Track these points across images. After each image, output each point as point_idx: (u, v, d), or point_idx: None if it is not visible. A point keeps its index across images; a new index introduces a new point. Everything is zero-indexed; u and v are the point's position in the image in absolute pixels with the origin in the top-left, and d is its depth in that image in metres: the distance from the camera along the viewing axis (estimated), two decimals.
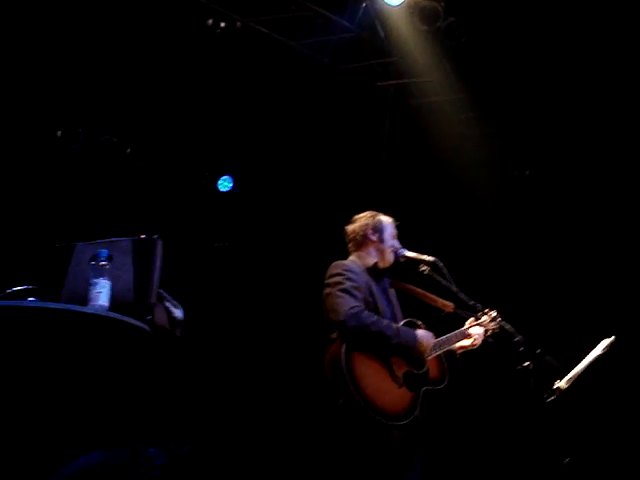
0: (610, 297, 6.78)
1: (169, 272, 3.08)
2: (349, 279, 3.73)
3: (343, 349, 3.51)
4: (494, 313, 4.06)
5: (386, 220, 4.13)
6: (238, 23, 6.48)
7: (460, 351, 4.04)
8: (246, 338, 7.34)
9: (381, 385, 3.54)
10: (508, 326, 3.95)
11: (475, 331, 4.02)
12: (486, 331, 4.06)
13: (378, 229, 4.06)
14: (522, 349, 3.78)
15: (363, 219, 4.11)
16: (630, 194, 6.94)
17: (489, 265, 7.26)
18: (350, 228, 4.13)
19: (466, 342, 4.02)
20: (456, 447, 6.81)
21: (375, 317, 3.64)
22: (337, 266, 3.85)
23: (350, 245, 4.11)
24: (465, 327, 4.05)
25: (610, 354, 4.04)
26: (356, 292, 3.70)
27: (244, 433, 6.78)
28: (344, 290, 3.67)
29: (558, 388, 3.84)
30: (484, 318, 4.07)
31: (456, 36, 6.22)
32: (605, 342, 4.06)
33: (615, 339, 4.06)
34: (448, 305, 4.09)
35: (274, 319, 7.42)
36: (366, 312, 3.62)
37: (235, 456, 6.47)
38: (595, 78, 6.51)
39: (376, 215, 4.13)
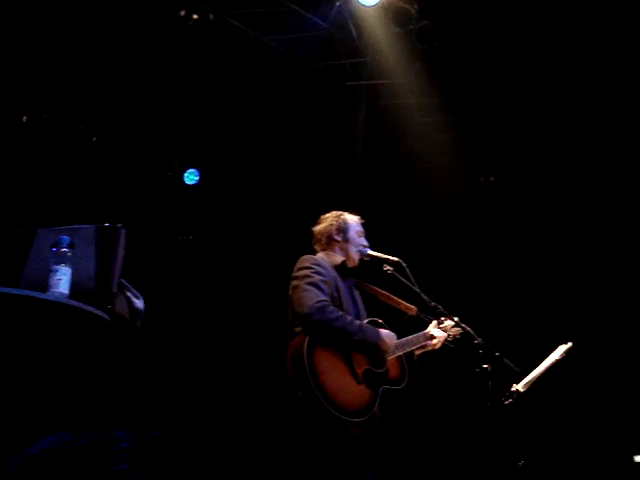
0: (569, 303, 6.90)
1: (131, 262, 3.05)
2: (317, 273, 3.74)
3: (305, 343, 3.51)
4: (456, 319, 4.08)
5: (351, 219, 4.13)
6: (211, 16, 6.44)
7: (419, 352, 4.07)
8: (207, 332, 7.30)
9: (341, 381, 3.54)
10: (468, 328, 3.99)
11: (437, 334, 4.05)
12: (448, 335, 4.10)
13: (342, 229, 4.06)
14: (481, 352, 3.82)
15: (328, 219, 4.11)
16: (594, 201, 7.06)
17: (452, 268, 7.33)
18: (316, 229, 4.13)
19: (427, 344, 4.05)
20: (413, 447, 6.86)
21: (340, 312, 3.65)
22: (306, 260, 3.85)
23: (316, 246, 4.11)
24: (428, 330, 4.08)
25: (567, 359, 4.11)
26: (323, 286, 3.70)
27: (207, 422, 6.76)
28: (311, 283, 3.67)
29: (516, 391, 3.89)
30: (447, 323, 4.10)
31: (428, 39, 6.25)
32: (562, 348, 4.14)
33: (572, 345, 4.14)
34: (411, 308, 4.11)
35: (236, 315, 7.39)
36: (331, 307, 3.63)
37: (202, 443, 6.44)
38: (564, 86, 6.61)
39: (341, 215, 4.13)
